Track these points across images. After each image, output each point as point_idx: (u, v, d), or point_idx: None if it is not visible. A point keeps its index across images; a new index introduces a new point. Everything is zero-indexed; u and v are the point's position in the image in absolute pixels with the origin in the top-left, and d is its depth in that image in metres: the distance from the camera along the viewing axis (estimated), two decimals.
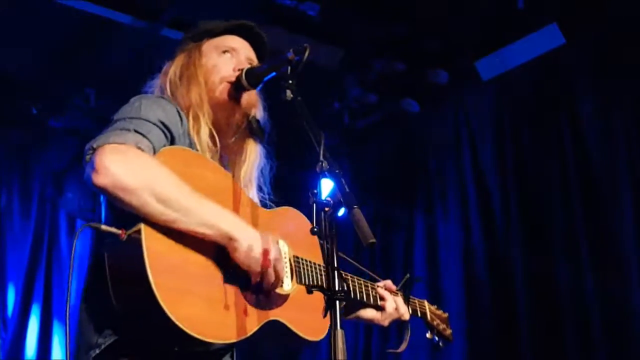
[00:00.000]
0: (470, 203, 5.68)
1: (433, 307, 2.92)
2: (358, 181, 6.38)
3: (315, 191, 1.87)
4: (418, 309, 2.82)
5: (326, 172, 1.90)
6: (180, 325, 1.86)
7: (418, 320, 2.83)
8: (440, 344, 2.90)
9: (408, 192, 6.23)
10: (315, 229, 1.84)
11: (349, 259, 2.48)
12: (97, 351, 1.95)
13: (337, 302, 1.78)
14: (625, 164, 4.78)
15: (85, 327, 2.03)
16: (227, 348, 2.17)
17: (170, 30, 5.00)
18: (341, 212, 1.86)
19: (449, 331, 2.95)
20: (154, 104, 2.13)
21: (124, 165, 1.89)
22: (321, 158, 1.91)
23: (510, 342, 5.12)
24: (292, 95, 2.08)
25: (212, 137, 2.26)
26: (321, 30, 5.16)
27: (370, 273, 2.66)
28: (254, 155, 2.42)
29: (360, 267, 2.61)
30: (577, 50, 5.03)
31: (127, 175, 1.88)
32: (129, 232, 1.89)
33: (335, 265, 1.81)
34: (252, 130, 2.40)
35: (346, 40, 5.48)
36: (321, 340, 2.30)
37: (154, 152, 2.02)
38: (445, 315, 2.98)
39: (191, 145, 2.20)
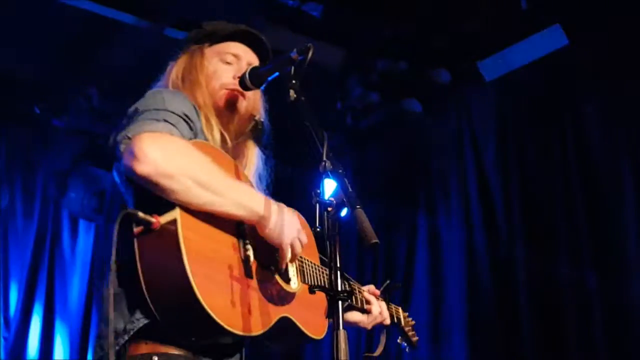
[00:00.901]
0: (473, 204, 5.67)
1: (405, 314, 3.02)
2: (360, 181, 6.37)
3: (318, 191, 1.88)
4: (394, 314, 2.90)
5: (329, 172, 1.91)
6: (214, 316, 1.89)
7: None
8: (407, 349, 3.06)
9: (411, 193, 6.22)
10: (318, 229, 1.85)
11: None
12: (126, 337, 1.96)
13: (340, 302, 1.79)
14: (628, 164, 4.76)
15: (115, 314, 1.98)
16: (235, 345, 2.19)
17: (174, 30, 5.00)
18: (344, 212, 1.87)
19: (415, 338, 3.08)
20: (175, 97, 2.18)
21: (163, 152, 1.92)
22: (324, 158, 1.92)
23: (512, 342, 5.11)
24: (295, 95, 2.10)
25: (222, 138, 2.30)
26: (323, 30, 5.16)
27: (348, 277, 2.69)
28: (254, 160, 2.47)
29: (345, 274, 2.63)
30: (581, 51, 5.01)
31: (168, 162, 1.91)
32: (164, 220, 1.92)
33: (339, 265, 1.82)
34: (256, 133, 2.43)
35: (349, 41, 5.48)
36: (324, 340, 2.32)
37: None
38: (413, 322, 3.09)
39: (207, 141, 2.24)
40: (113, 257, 1.89)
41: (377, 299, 2.74)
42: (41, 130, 6.08)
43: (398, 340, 3.00)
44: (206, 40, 2.45)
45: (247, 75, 2.28)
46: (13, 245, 6.16)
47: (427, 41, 5.45)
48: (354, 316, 2.69)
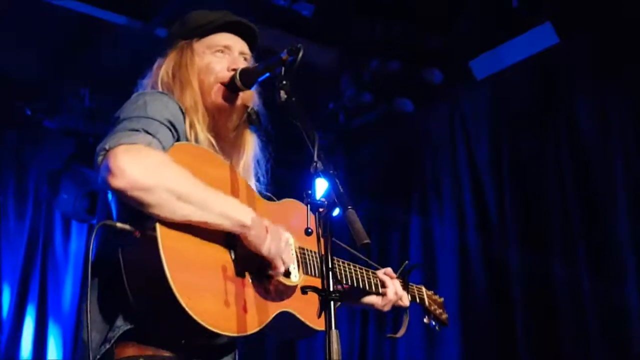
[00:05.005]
0: (466, 202, 5.68)
1: (430, 293, 2.99)
2: (353, 181, 6.37)
3: (310, 192, 1.88)
4: (416, 294, 2.88)
5: (320, 173, 1.91)
6: (200, 321, 1.91)
7: (416, 308, 2.90)
8: (437, 327, 3.00)
9: (403, 192, 6.23)
10: (309, 230, 1.85)
11: (346, 247, 2.52)
12: (107, 346, 1.98)
13: (332, 302, 1.79)
14: (621, 161, 4.77)
15: (96, 323, 2.03)
16: (230, 345, 2.20)
17: (165, 30, 4.98)
18: (336, 212, 1.87)
19: (444, 315, 3.02)
20: (157, 101, 2.15)
21: (139, 166, 1.91)
22: (315, 158, 1.92)
23: (506, 341, 5.12)
24: (286, 96, 2.09)
25: (209, 143, 2.26)
26: (315, 30, 5.15)
27: (368, 260, 2.69)
28: (250, 146, 2.44)
29: (358, 255, 2.64)
30: (572, 49, 5.03)
31: (144, 175, 1.90)
32: (145, 230, 1.93)
33: (330, 266, 1.82)
34: (251, 121, 2.40)
35: (341, 40, 5.48)
36: (317, 339, 2.33)
37: (164, 151, 2.04)
38: (441, 299, 3.05)
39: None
40: (89, 269, 1.95)
41: (395, 280, 2.70)
42: (32, 131, 6.05)
43: (424, 320, 2.95)
44: (194, 35, 2.40)
45: (237, 77, 2.28)
46: (5, 247, 6.14)
47: (419, 41, 5.46)
48: (369, 299, 2.67)
